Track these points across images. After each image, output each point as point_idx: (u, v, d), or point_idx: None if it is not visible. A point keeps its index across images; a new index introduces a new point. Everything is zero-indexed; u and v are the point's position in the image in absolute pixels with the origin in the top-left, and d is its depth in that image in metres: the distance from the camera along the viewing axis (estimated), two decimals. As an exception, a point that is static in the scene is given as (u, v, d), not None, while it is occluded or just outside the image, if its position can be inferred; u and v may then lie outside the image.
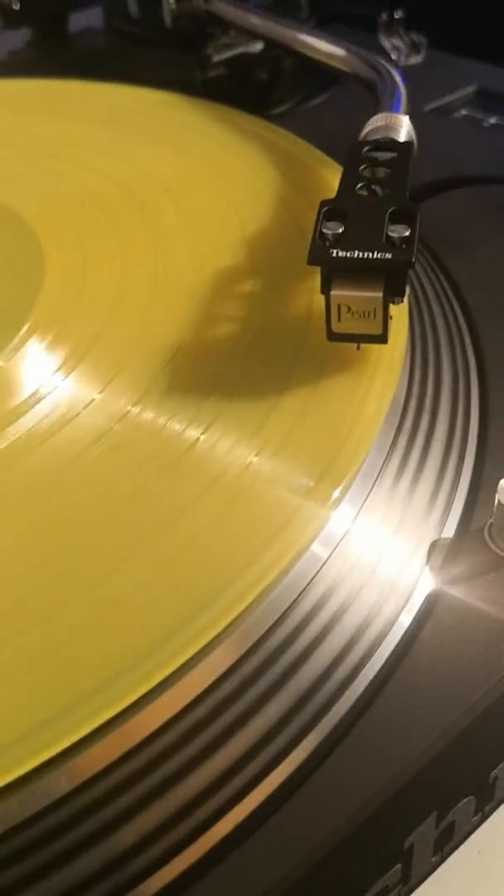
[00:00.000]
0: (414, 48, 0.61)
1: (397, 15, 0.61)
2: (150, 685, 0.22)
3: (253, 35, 0.54)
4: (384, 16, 0.61)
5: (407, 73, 0.59)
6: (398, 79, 0.41)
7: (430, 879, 0.27)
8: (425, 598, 0.28)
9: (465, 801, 0.27)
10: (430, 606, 0.27)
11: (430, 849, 0.27)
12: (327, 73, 0.54)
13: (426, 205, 0.42)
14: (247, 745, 0.24)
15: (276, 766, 0.24)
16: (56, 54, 0.65)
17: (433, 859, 0.27)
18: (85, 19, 0.66)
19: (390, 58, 0.59)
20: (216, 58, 0.56)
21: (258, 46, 0.56)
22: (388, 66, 0.42)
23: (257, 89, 0.57)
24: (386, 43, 0.61)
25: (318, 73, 0.56)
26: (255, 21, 0.52)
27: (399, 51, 0.61)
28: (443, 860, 0.28)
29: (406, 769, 0.24)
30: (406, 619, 0.27)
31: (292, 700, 0.25)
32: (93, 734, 0.22)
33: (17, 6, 0.63)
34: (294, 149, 0.44)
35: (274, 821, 0.23)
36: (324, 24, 0.61)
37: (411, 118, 0.38)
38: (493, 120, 0.54)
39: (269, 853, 0.22)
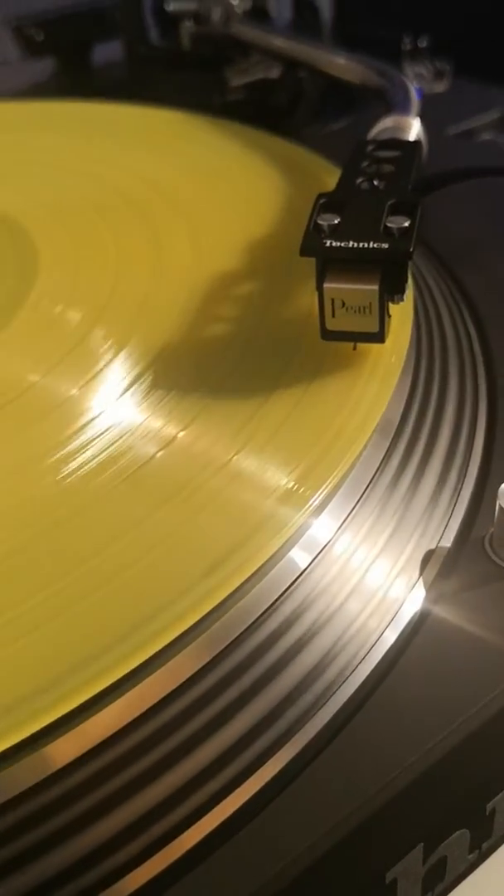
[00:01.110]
0: (438, 75, 0.60)
1: (422, 43, 0.60)
2: (103, 685, 0.21)
3: (270, 55, 0.53)
4: (408, 43, 0.60)
5: (431, 98, 0.59)
6: (408, 84, 0.39)
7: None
8: (414, 614, 0.25)
9: (457, 834, 0.24)
10: (419, 623, 0.25)
11: (417, 887, 0.24)
12: (348, 98, 0.53)
13: (439, 215, 0.41)
14: (209, 760, 0.22)
15: (240, 783, 0.22)
16: (78, 83, 0.65)
17: (423, 901, 0.25)
18: (107, 51, 0.66)
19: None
20: (235, 82, 0.56)
21: (276, 71, 0.55)
22: (397, 72, 0.41)
23: (276, 113, 0.57)
24: (410, 70, 0.60)
25: (339, 99, 0.56)
26: (273, 41, 0.51)
27: (423, 78, 0.60)
28: (435, 903, 0.25)
29: (382, 792, 0.21)
30: (392, 635, 0.25)
31: (263, 712, 0.23)
32: (44, 731, 0.20)
33: (40, 37, 0.63)
34: (302, 159, 0.43)
35: (231, 845, 0.21)
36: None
37: (435, 141, 0.37)
38: (516, 143, 0.53)
39: (225, 879, 0.20)
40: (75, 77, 0.65)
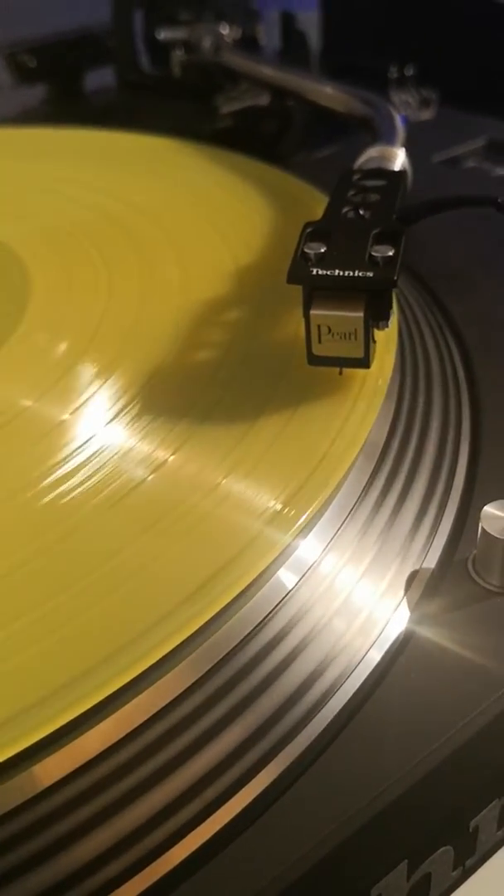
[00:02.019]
0: (424, 103, 0.61)
1: (408, 72, 0.62)
2: (93, 701, 0.21)
3: (259, 83, 0.54)
4: (395, 72, 0.61)
5: (417, 126, 0.60)
6: (395, 114, 0.40)
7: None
8: (399, 635, 0.26)
9: (441, 851, 0.25)
10: (404, 643, 0.26)
11: (402, 904, 0.25)
12: (339, 126, 0.54)
13: (425, 242, 0.42)
14: (196, 776, 0.22)
15: (225, 801, 0.22)
16: (70, 109, 0.66)
17: (407, 917, 0.25)
18: (99, 78, 0.67)
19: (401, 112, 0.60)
20: (224, 109, 0.57)
21: (265, 99, 0.56)
22: (383, 102, 0.42)
23: (266, 140, 0.58)
24: (397, 98, 0.61)
25: (327, 126, 0.57)
26: (262, 69, 0.52)
27: (410, 106, 0.61)
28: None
29: (366, 810, 0.22)
30: (376, 655, 0.25)
31: (249, 730, 0.23)
32: (36, 747, 0.21)
33: (32, 64, 0.64)
34: (290, 186, 0.44)
35: (217, 862, 0.21)
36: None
37: (421, 169, 0.38)
38: (500, 171, 0.54)
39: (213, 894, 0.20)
40: (67, 103, 0.66)
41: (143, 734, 0.22)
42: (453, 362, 0.36)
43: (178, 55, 0.57)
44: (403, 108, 0.60)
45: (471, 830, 0.26)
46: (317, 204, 0.42)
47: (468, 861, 0.26)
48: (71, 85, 0.67)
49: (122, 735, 0.22)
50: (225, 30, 0.57)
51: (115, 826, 0.21)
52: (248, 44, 0.58)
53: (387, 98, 0.60)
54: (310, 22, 0.66)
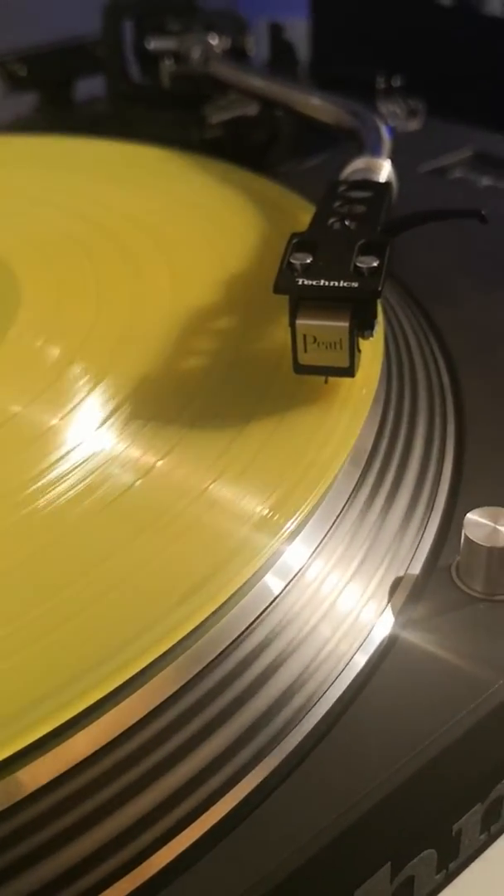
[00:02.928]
0: (412, 114, 0.62)
1: (395, 83, 0.62)
2: (79, 708, 0.21)
3: (248, 94, 0.54)
4: (382, 82, 0.62)
5: (405, 136, 0.60)
6: (380, 125, 0.41)
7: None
8: (383, 640, 0.26)
9: (424, 854, 0.25)
10: (388, 647, 0.26)
11: (386, 907, 0.25)
12: (328, 135, 0.54)
13: (411, 252, 0.42)
14: (184, 780, 0.22)
15: (210, 805, 0.22)
16: (60, 118, 0.66)
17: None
18: (89, 86, 0.68)
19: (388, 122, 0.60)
20: (214, 119, 0.57)
21: (254, 109, 0.57)
22: (370, 114, 0.42)
23: (254, 150, 0.58)
24: (384, 109, 0.62)
25: (315, 136, 0.57)
26: (250, 80, 0.53)
27: (397, 116, 0.61)
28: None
29: (350, 812, 0.22)
30: (361, 659, 0.26)
31: (236, 734, 0.23)
32: (24, 752, 0.21)
33: (23, 73, 0.65)
34: (278, 196, 0.44)
35: (201, 866, 0.21)
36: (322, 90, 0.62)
37: (408, 179, 0.38)
38: (486, 181, 0.55)
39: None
40: (57, 112, 0.67)
41: (129, 739, 0.22)
42: (438, 370, 0.37)
43: (167, 65, 0.58)
44: (391, 118, 0.61)
45: (454, 834, 0.26)
46: (304, 213, 0.42)
47: (451, 864, 0.26)
48: (61, 94, 0.67)
49: (108, 740, 0.22)
50: (214, 40, 0.57)
51: (103, 829, 0.22)
52: (237, 54, 0.58)
53: (374, 108, 0.61)
54: (298, 32, 0.67)
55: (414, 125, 0.62)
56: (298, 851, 0.21)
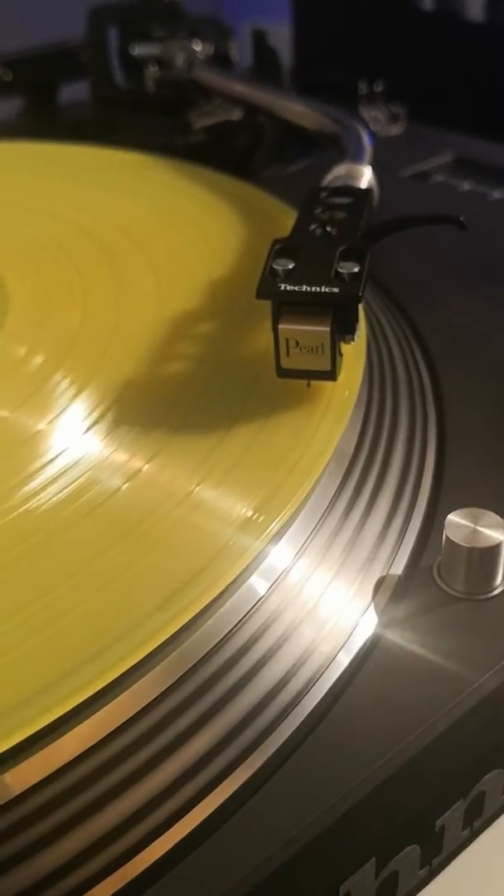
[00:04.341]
0: (393, 119, 0.62)
1: (377, 88, 0.63)
2: (68, 707, 0.22)
3: (231, 99, 0.55)
4: (364, 88, 0.62)
5: (386, 142, 0.61)
6: (362, 132, 0.41)
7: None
8: (366, 639, 0.27)
9: (408, 849, 0.26)
10: (371, 647, 0.27)
11: (370, 901, 0.25)
12: (308, 141, 0.55)
13: (393, 256, 0.43)
14: (167, 781, 0.23)
15: (197, 802, 0.23)
16: (45, 122, 0.66)
17: (375, 914, 0.26)
18: (74, 91, 0.68)
19: (369, 127, 0.61)
20: (197, 124, 0.57)
21: (238, 114, 0.57)
22: (352, 120, 0.43)
23: (238, 155, 0.59)
24: (366, 114, 0.62)
25: (298, 142, 0.57)
26: (233, 86, 0.53)
27: (379, 121, 0.62)
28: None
29: (335, 808, 0.22)
30: (345, 658, 0.26)
31: (222, 733, 0.24)
32: (15, 751, 0.21)
33: (7, 77, 0.65)
34: (259, 201, 0.45)
35: (186, 864, 0.22)
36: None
37: (389, 183, 0.39)
38: (467, 185, 0.55)
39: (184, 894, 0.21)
40: (42, 117, 0.67)
41: (114, 741, 0.22)
42: (419, 372, 0.37)
43: (151, 71, 0.58)
44: (372, 123, 0.61)
45: (437, 830, 0.26)
46: (287, 218, 0.43)
47: (435, 860, 0.27)
48: (46, 98, 0.67)
49: (94, 741, 0.22)
50: (198, 46, 0.58)
51: (89, 828, 0.22)
52: (221, 60, 0.59)
53: (356, 114, 0.61)
54: (281, 39, 0.67)
55: (395, 130, 0.62)
56: (284, 848, 0.22)
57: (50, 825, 0.22)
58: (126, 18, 0.61)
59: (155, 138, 0.57)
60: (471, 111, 0.66)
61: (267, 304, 0.30)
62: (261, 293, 0.29)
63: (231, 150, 0.58)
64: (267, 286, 0.29)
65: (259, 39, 0.63)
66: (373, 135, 0.43)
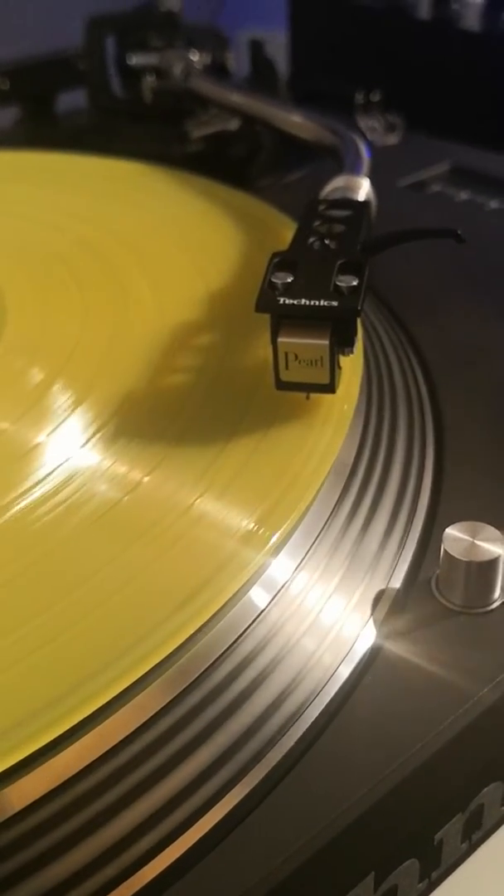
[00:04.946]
0: (390, 128, 0.62)
1: (374, 98, 0.63)
2: (71, 723, 0.22)
3: (228, 109, 0.55)
4: (361, 98, 0.62)
5: (383, 151, 0.61)
6: (360, 144, 0.41)
7: None
8: (366, 651, 0.27)
9: (407, 863, 0.26)
10: (371, 659, 0.27)
11: (370, 915, 0.25)
12: (305, 150, 0.55)
13: (390, 268, 0.43)
14: (167, 796, 0.23)
15: (198, 818, 0.23)
16: (42, 131, 0.66)
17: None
18: (72, 100, 0.68)
19: (366, 137, 0.61)
20: (195, 134, 0.58)
21: (235, 124, 0.57)
22: (349, 132, 0.43)
23: (235, 164, 0.59)
24: (363, 123, 0.62)
25: (299, 150, 0.58)
26: (230, 96, 0.53)
27: (376, 131, 0.62)
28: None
29: (335, 823, 0.22)
30: (345, 671, 0.26)
31: (222, 748, 0.24)
32: (17, 767, 0.21)
33: (5, 86, 0.65)
34: (260, 212, 0.45)
35: (186, 881, 0.22)
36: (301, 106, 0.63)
37: (386, 193, 0.39)
38: (464, 195, 0.55)
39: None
40: (39, 126, 0.67)
41: (118, 754, 0.23)
42: (417, 384, 0.37)
43: (149, 81, 0.58)
44: (369, 133, 0.62)
45: (436, 843, 0.26)
46: (284, 229, 0.43)
47: (433, 873, 0.27)
48: (43, 107, 0.67)
49: (98, 755, 0.22)
50: (195, 56, 0.58)
51: (93, 843, 0.22)
52: (218, 70, 0.59)
53: (353, 123, 0.62)
54: (278, 48, 0.68)
55: (392, 140, 0.62)
56: (284, 862, 0.22)
57: (52, 841, 0.22)
58: (123, 28, 0.61)
59: (152, 147, 0.57)
60: (468, 120, 0.66)
61: (265, 317, 0.30)
62: (260, 307, 0.29)
63: (228, 160, 0.59)
64: (266, 300, 0.29)
65: (256, 49, 0.63)
66: (370, 145, 0.44)
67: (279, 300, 0.29)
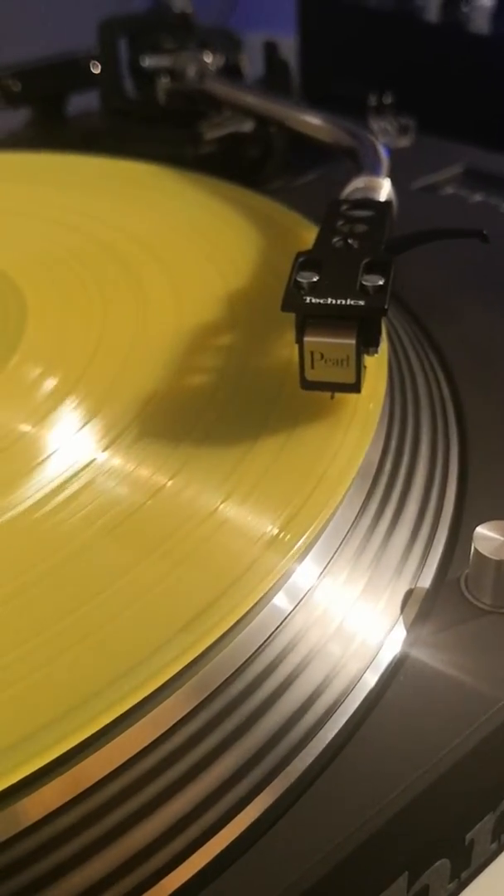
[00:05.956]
0: (403, 131, 0.62)
1: (386, 100, 0.63)
2: (95, 727, 0.21)
3: (243, 111, 0.55)
4: (374, 100, 0.62)
5: (396, 154, 0.61)
6: (378, 145, 0.41)
7: None
8: (393, 656, 0.27)
9: (438, 863, 0.25)
10: (398, 664, 0.26)
11: (402, 916, 0.25)
12: (318, 151, 0.55)
13: (409, 269, 0.43)
14: (195, 802, 0.23)
15: (225, 824, 0.22)
16: (54, 133, 0.66)
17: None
18: (83, 101, 0.68)
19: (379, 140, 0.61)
20: (208, 136, 0.57)
21: (249, 125, 0.57)
22: (368, 134, 0.43)
23: (248, 166, 0.59)
24: (375, 126, 0.62)
25: (309, 152, 0.58)
26: (246, 98, 0.53)
27: (388, 133, 0.62)
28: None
29: (368, 825, 0.22)
30: (372, 678, 0.26)
31: (249, 754, 0.23)
32: (39, 774, 0.21)
33: (17, 88, 0.65)
34: (275, 213, 0.45)
35: (219, 883, 0.22)
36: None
37: (400, 195, 0.39)
38: (478, 197, 0.55)
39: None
40: (51, 128, 0.67)
41: (140, 762, 0.22)
42: (439, 385, 0.37)
43: (162, 82, 0.58)
44: (382, 135, 0.62)
45: (466, 843, 0.26)
46: (301, 229, 0.43)
47: (464, 873, 0.27)
48: (55, 109, 0.67)
49: (120, 763, 0.22)
50: (209, 58, 0.58)
51: (111, 854, 0.22)
52: (232, 72, 0.59)
53: (366, 125, 0.62)
54: (287, 52, 0.68)
55: (405, 142, 0.62)
56: (318, 864, 0.22)
57: (72, 850, 0.21)
58: (136, 30, 0.61)
59: (164, 149, 0.57)
60: (480, 122, 0.66)
61: (287, 315, 0.30)
62: (286, 306, 0.29)
63: (242, 161, 0.58)
64: (292, 299, 0.29)
65: (271, 51, 0.63)
66: (388, 147, 0.43)
67: (305, 299, 0.29)
